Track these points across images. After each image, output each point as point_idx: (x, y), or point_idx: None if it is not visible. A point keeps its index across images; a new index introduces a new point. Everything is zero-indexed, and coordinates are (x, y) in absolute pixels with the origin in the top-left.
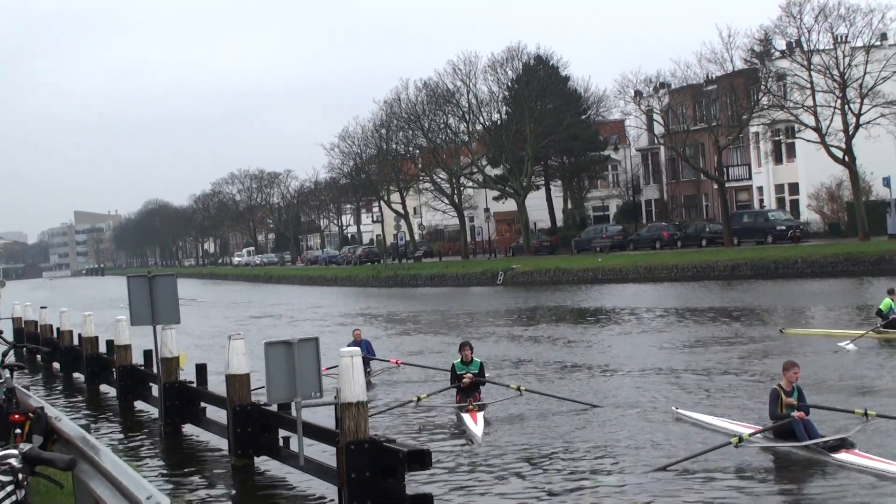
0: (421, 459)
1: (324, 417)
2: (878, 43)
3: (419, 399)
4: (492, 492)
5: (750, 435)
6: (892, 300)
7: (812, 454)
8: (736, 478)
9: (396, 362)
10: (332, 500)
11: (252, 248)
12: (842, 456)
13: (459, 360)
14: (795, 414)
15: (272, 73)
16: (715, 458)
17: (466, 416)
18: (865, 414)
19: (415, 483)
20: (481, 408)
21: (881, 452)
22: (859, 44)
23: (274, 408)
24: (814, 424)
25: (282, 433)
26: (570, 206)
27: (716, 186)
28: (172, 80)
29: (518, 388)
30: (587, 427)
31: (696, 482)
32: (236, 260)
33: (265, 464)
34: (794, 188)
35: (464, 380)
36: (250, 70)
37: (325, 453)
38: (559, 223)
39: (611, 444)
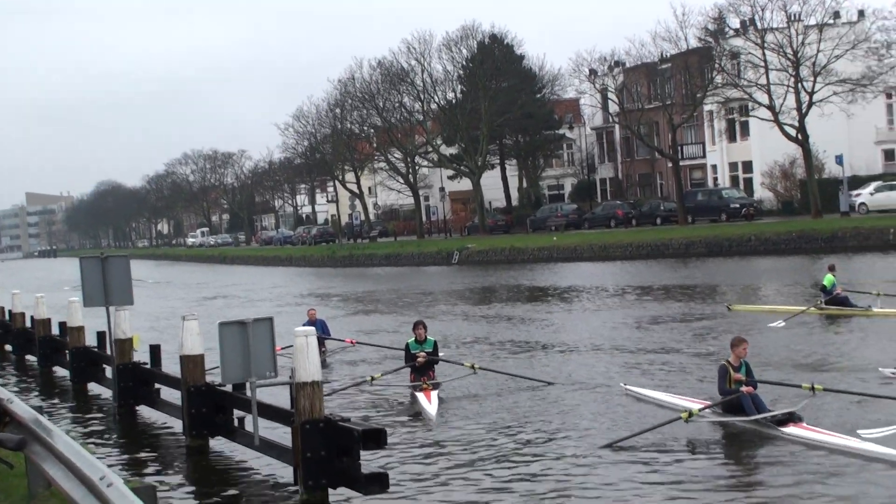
0: (376, 438)
1: (279, 397)
2: (832, 21)
3: (373, 379)
4: (446, 470)
5: (699, 410)
6: (834, 276)
7: (760, 428)
8: (686, 452)
9: (351, 342)
10: (288, 480)
11: (206, 229)
12: (790, 429)
13: (413, 339)
14: (744, 389)
15: (224, 53)
16: (665, 433)
17: (420, 395)
18: (812, 388)
19: (369, 462)
20: (435, 386)
21: (828, 425)
22: (812, 22)
23: (229, 388)
24: (762, 399)
25: (237, 413)
26: (525, 185)
27: (670, 165)
28: (123, 61)
29: (472, 366)
30: (540, 404)
31: (648, 457)
32: (190, 241)
33: (220, 444)
34: (747, 166)
35: (418, 359)
36: (202, 49)
37: (280, 433)
38: (514, 202)
39: (563, 420)
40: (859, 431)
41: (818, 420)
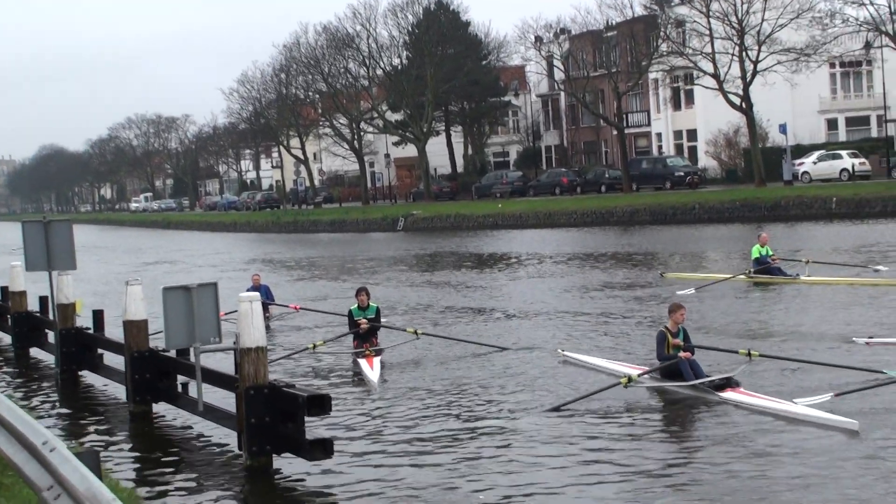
0: (321, 404)
1: (223, 363)
2: None
3: (315, 346)
4: (389, 435)
5: (638, 375)
6: (764, 246)
7: (699, 393)
8: (626, 416)
9: (295, 307)
10: (232, 446)
11: (150, 194)
12: (727, 394)
13: (356, 305)
14: (682, 354)
15: (169, 17)
16: (605, 399)
17: (363, 362)
18: (748, 354)
19: (312, 428)
20: (378, 352)
21: (764, 390)
22: None
23: (172, 353)
24: (700, 364)
25: (180, 379)
26: (470, 152)
27: (615, 133)
28: (68, 25)
29: (415, 332)
30: (482, 369)
31: (589, 421)
32: (133, 206)
33: (163, 410)
34: (692, 134)
35: (360, 325)
36: (147, 14)
37: (224, 399)
38: (460, 169)
39: (505, 385)
40: (795, 401)
41: (754, 385)
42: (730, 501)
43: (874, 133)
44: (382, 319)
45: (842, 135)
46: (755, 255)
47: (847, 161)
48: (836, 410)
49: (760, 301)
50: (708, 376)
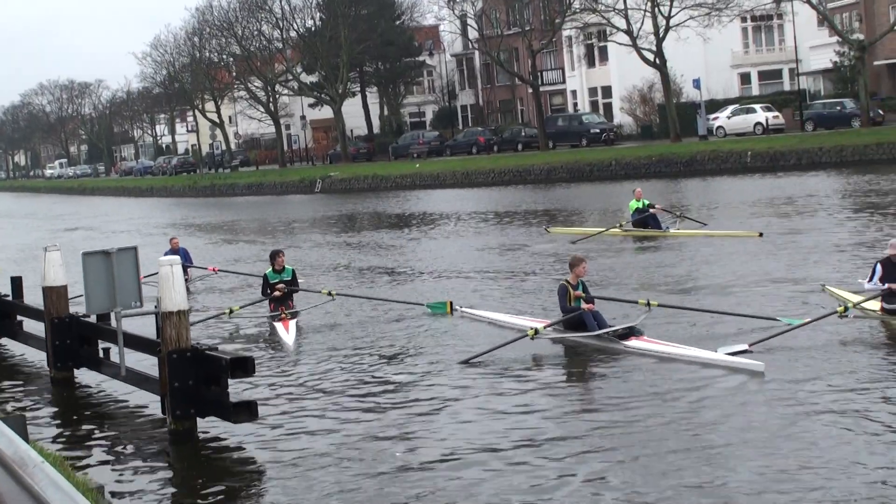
0: (244, 366)
1: (145, 328)
2: None
3: (231, 311)
4: (307, 396)
5: (544, 327)
6: (640, 200)
7: (604, 343)
8: (535, 367)
9: (213, 269)
10: (156, 410)
11: (64, 161)
12: (631, 343)
13: (271, 269)
14: (585, 306)
15: None
16: (514, 351)
17: (279, 325)
18: (648, 304)
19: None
20: (294, 315)
21: (664, 337)
22: None
23: (93, 319)
24: (602, 315)
25: (102, 345)
26: (386, 112)
27: (530, 91)
28: None
29: (330, 293)
30: (396, 327)
31: (498, 372)
32: (49, 172)
33: (86, 376)
34: (606, 91)
35: (276, 289)
36: None
37: (146, 363)
38: (376, 130)
39: (417, 342)
40: (719, 349)
41: (655, 333)
42: (639, 445)
43: (787, 87)
44: (299, 281)
45: (755, 89)
46: (632, 208)
47: (761, 115)
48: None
49: (633, 253)
50: (611, 326)
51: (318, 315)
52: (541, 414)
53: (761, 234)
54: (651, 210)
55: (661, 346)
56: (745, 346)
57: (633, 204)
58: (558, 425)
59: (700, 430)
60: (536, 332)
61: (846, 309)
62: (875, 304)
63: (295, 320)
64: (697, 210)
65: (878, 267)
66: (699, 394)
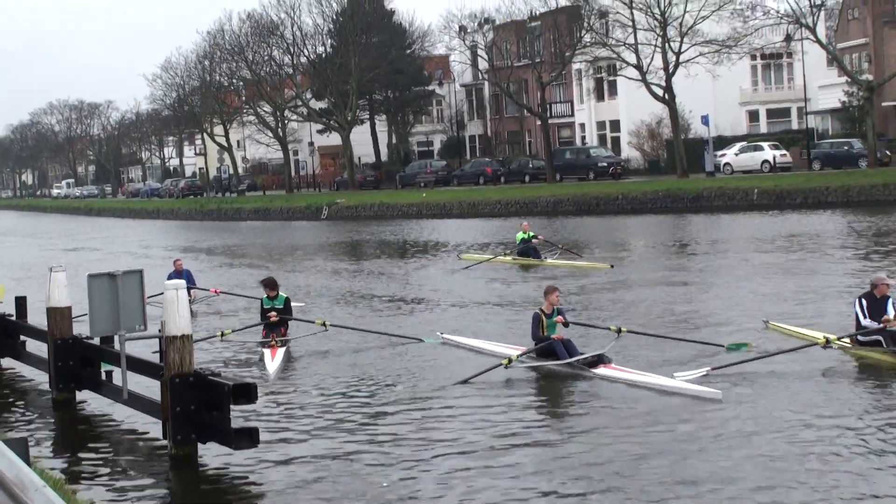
0: (247, 393)
1: (147, 349)
2: None
3: (223, 334)
4: (294, 423)
5: (518, 356)
6: (525, 232)
7: (574, 370)
8: (508, 395)
9: (216, 291)
10: (157, 434)
11: (72, 181)
12: (600, 370)
13: (266, 296)
14: (555, 336)
15: (90, 1)
16: (488, 379)
17: (266, 351)
18: (618, 330)
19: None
20: (283, 343)
21: (633, 365)
22: None
23: (96, 341)
24: (573, 343)
25: (105, 367)
26: (394, 140)
27: (539, 123)
28: None
29: (323, 324)
30: (384, 357)
31: (475, 400)
32: (55, 192)
33: (87, 398)
34: (615, 125)
35: (270, 316)
36: None
37: (149, 387)
38: (384, 158)
39: (403, 371)
40: (675, 375)
41: (623, 360)
42: (602, 469)
43: (794, 125)
44: (293, 304)
45: (763, 127)
46: (518, 239)
47: (768, 153)
48: (708, 380)
49: (518, 275)
50: (582, 354)
51: (311, 344)
52: (515, 440)
53: (612, 266)
54: (534, 241)
55: (627, 373)
56: (706, 371)
57: (520, 235)
58: (527, 450)
59: (661, 456)
60: (510, 360)
61: (828, 341)
62: (846, 338)
63: (284, 348)
64: (695, 246)
65: (864, 302)
66: (660, 419)
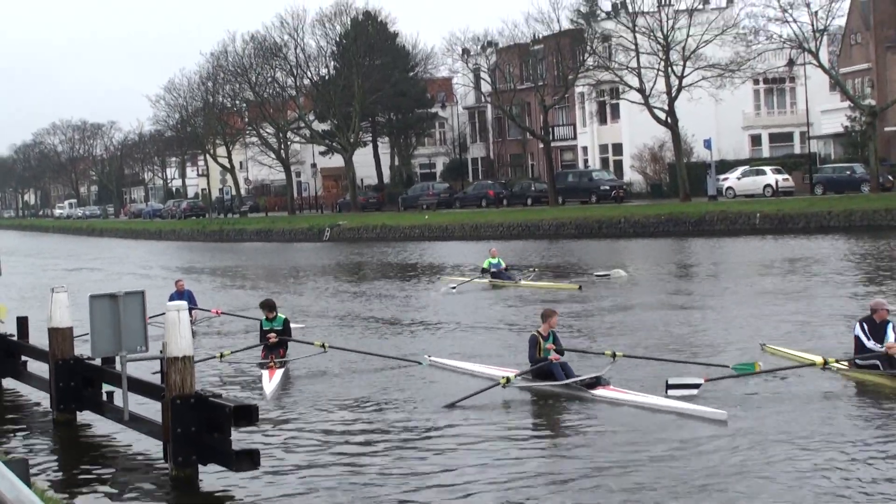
0: (248, 415)
1: (147, 370)
2: (701, 6)
3: (223, 355)
4: (277, 446)
5: (515, 376)
6: (494, 257)
7: (572, 391)
8: (505, 414)
9: (217, 312)
10: (158, 455)
11: (74, 201)
12: (598, 392)
13: (265, 317)
14: (552, 357)
15: (95, 21)
16: (485, 400)
17: (265, 372)
18: (613, 355)
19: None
20: (282, 364)
21: (629, 387)
22: (683, 7)
23: (98, 362)
24: (570, 365)
25: (106, 388)
26: (397, 162)
27: (541, 146)
28: None
29: (322, 345)
30: (384, 378)
31: (473, 421)
32: (58, 212)
33: (88, 419)
34: (617, 148)
35: (269, 338)
36: (72, 18)
37: (150, 408)
38: (386, 180)
39: (401, 391)
40: (669, 380)
41: (621, 382)
42: (608, 490)
43: (797, 149)
44: (293, 326)
45: (765, 151)
46: (486, 265)
47: (770, 177)
48: (706, 401)
49: (492, 297)
50: (579, 376)
51: (310, 365)
52: (516, 462)
53: (580, 288)
54: (502, 269)
55: (628, 394)
56: (700, 381)
57: (489, 260)
58: (534, 471)
59: (665, 475)
60: (508, 380)
61: (826, 363)
62: (844, 361)
63: (283, 369)
64: (694, 269)
65: (864, 326)
66: (663, 441)
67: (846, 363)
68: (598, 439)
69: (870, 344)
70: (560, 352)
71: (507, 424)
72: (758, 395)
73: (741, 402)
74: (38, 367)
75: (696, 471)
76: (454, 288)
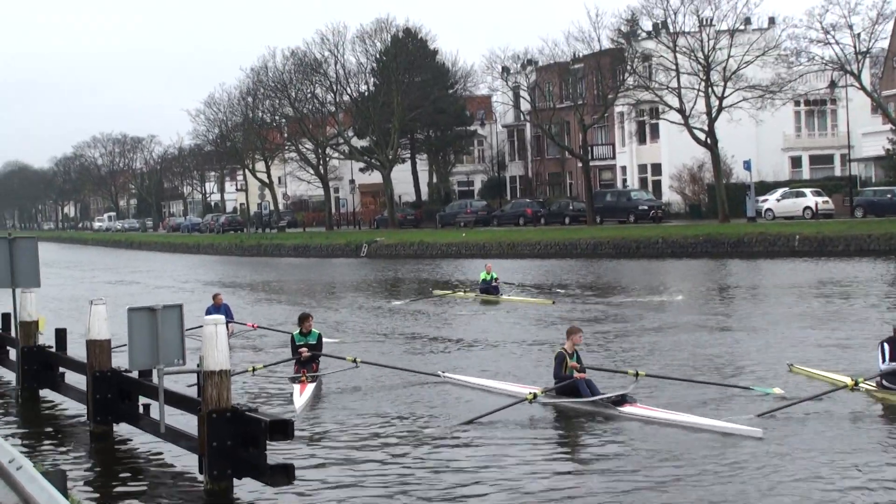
0: (283, 430)
1: (183, 382)
2: (742, 27)
3: (255, 369)
4: (306, 461)
5: (542, 392)
6: (488, 273)
7: (598, 408)
8: (532, 431)
9: (253, 326)
10: (193, 469)
11: (113, 214)
12: (626, 409)
13: (298, 331)
14: (577, 374)
15: (136, 36)
16: (511, 415)
17: (296, 387)
18: (636, 374)
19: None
20: (314, 379)
21: (656, 405)
22: (724, 27)
23: (135, 374)
24: (594, 383)
25: (142, 400)
26: (435, 180)
27: (580, 165)
28: (32, 41)
29: (354, 360)
30: (414, 394)
31: (501, 435)
32: (97, 225)
33: (124, 431)
34: (656, 169)
35: (301, 353)
36: (114, 32)
37: (186, 421)
38: (424, 197)
39: (430, 406)
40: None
41: (646, 401)
42: None
43: (838, 172)
44: (325, 340)
45: (805, 173)
46: (482, 278)
47: (810, 199)
48: (742, 420)
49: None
50: (604, 393)
51: (340, 380)
52: (545, 475)
53: (554, 303)
54: (494, 282)
55: (657, 412)
56: (752, 416)
57: (483, 275)
58: (563, 487)
59: (699, 494)
60: (535, 396)
61: (856, 383)
62: (871, 381)
63: (314, 384)
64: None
65: (886, 346)
66: (697, 458)
67: (874, 383)
68: (629, 457)
69: (884, 366)
70: (582, 369)
71: (535, 442)
72: (788, 416)
73: (771, 422)
74: (76, 379)
75: (730, 489)
76: (440, 297)
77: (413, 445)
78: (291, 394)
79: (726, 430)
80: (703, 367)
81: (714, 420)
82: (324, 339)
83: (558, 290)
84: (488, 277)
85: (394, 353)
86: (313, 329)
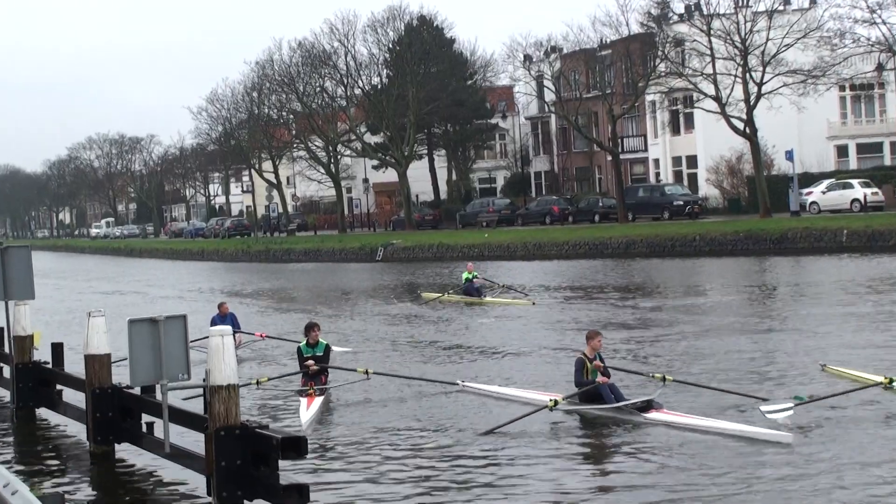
0: (296, 447)
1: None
2: (781, 7)
3: (259, 382)
4: (315, 478)
5: (563, 399)
6: (470, 273)
7: (623, 415)
8: (556, 440)
9: (261, 335)
10: (200, 490)
11: (111, 219)
12: (652, 415)
13: (305, 342)
14: (600, 379)
15: (133, 31)
16: (532, 424)
17: (303, 400)
18: (663, 379)
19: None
20: (322, 392)
21: (683, 410)
22: (762, 8)
23: (137, 390)
24: (618, 388)
25: (145, 418)
26: (454, 177)
27: (609, 158)
28: (16, 39)
29: (366, 372)
30: (431, 404)
31: (521, 445)
32: (94, 232)
33: (126, 451)
34: (692, 161)
35: (309, 367)
36: (103, 27)
37: (192, 439)
38: (443, 196)
39: (447, 416)
40: (762, 408)
41: (673, 406)
42: None
43: (887, 161)
44: (336, 349)
45: (852, 162)
46: (465, 279)
47: (858, 191)
48: (769, 423)
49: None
50: (628, 399)
51: (350, 392)
52: (569, 487)
53: (534, 303)
54: (475, 281)
55: (684, 417)
56: (791, 403)
57: (466, 275)
58: (591, 495)
59: (729, 500)
60: (556, 403)
61: (891, 381)
62: None
63: (322, 397)
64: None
65: None
66: (726, 464)
67: None
68: (656, 463)
69: None
70: (606, 374)
71: (558, 450)
72: (819, 418)
73: (804, 422)
74: (74, 397)
75: (760, 495)
76: (426, 303)
77: (431, 458)
78: (298, 408)
79: (755, 436)
80: (736, 371)
81: (743, 425)
82: (335, 349)
83: (592, 292)
84: (470, 277)
85: (407, 361)
86: (321, 340)
